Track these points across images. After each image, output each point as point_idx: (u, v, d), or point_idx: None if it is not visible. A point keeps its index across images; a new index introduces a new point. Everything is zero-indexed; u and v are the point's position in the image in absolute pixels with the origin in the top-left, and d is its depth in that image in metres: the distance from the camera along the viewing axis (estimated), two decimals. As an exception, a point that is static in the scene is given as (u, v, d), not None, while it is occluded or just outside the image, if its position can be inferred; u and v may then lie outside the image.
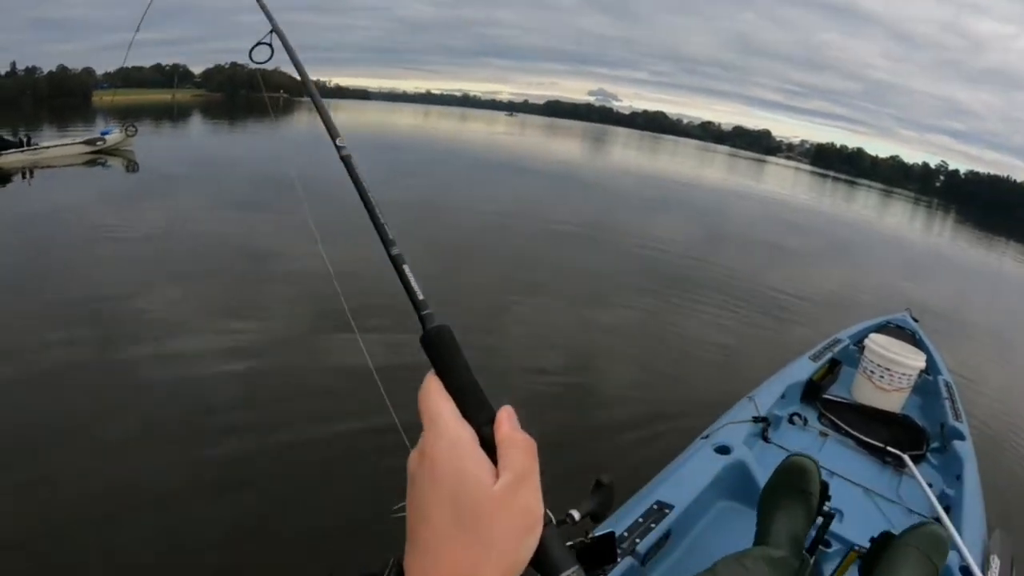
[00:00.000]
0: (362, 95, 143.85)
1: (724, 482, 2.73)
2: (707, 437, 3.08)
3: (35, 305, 6.80)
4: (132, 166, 18.13)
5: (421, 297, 0.80)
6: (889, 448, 3.40)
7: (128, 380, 5.24)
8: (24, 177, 15.68)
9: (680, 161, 50.29)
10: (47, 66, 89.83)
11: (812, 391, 3.93)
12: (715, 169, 51.73)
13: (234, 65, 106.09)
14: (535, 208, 16.03)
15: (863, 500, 2.97)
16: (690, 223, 17.45)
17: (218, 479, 4.01)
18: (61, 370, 5.32)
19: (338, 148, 1.35)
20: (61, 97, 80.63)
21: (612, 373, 6.49)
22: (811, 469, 2.30)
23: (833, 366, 4.29)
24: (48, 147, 18.34)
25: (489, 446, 0.54)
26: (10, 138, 17.45)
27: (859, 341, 4.59)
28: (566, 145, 52.30)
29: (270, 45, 2.09)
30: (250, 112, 54.57)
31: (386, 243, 1.00)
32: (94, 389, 5.06)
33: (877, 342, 4.12)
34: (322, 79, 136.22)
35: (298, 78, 1.37)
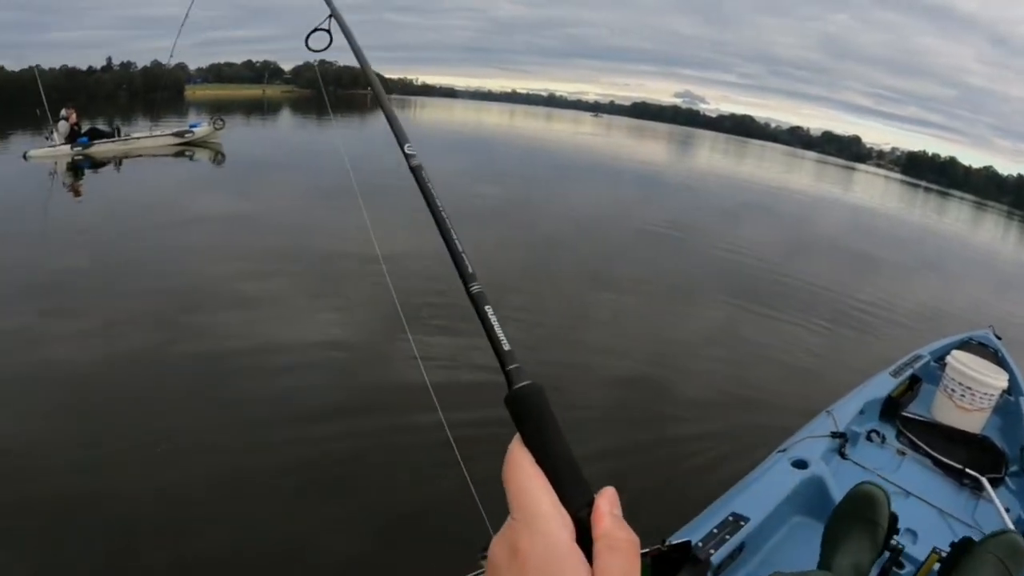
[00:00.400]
0: (449, 93, 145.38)
1: (799, 497, 2.70)
2: (785, 451, 3.06)
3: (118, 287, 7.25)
4: (219, 158, 18.73)
5: (507, 347, 0.72)
6: (967, 470, 3.30)
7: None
8: (115, 166, 16.54)
9: (767, 166, 48.71)
10: (142, 61, 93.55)
11: (891, 408, 3.85)
12: (802, 175, 49.87)
13: (323, 63, 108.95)
14: (619, 209, 15.84)
15: (937, 521, 2.90)
16: (776, 230, 16.77)
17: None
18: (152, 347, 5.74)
19: (407, 156, 1.26)
20: (155, 91, 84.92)
21: (691, 380, 6.31)
22: (881, 499, 2.28)
23: (913, 383, 4.19)
24: (139, 138, 19.28)
25: (584, 533, 0.48)
26: (104, 129, 18.36)
27: (940, 358, 4.46)
28: (651, 147, 51.51)
29: (328, 31, 2.07)
30: (337, 108, 56.12)
31: (465, 278, 0.92)
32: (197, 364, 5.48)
33: (959, 359, 3.97)
34: (408, 77, 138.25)
35: (371, 78, 1.33)
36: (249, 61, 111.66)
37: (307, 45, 2.16)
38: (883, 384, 3.99)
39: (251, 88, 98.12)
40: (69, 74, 75.46)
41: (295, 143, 27.04)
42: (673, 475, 4.42)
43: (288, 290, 7.61)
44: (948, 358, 4.05)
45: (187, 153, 19.07)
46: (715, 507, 2.57)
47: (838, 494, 2.54)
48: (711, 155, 53.55)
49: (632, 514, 0.49)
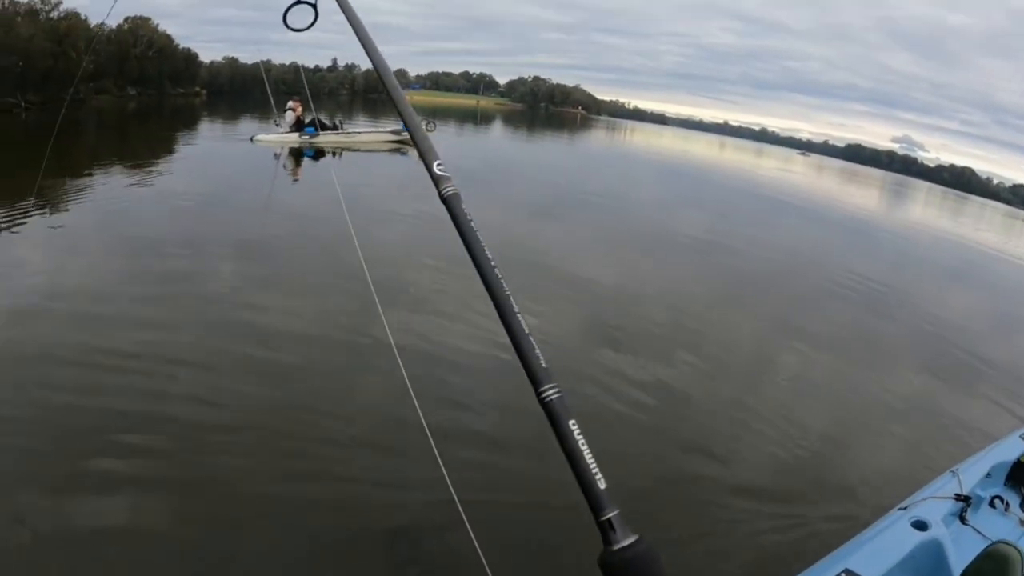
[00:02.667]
0: (659, 120, 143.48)
1: (915, 560, 2.55)
2: (905, 508, 2.92)
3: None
4: None
5: (603, 485, 0.62)
6: None
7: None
8: (334, 156, 17.76)
9: (985, 227, 42.87)
10: (365, 64, 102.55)
11: (1018, 473, 3.53)
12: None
13: (536, 79, 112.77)
14: (817, 258, 14.22)
15: None
16: (988, 302, 14.06)
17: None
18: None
19: (436, 181, 1.22)
20: (375, 92, 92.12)
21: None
22: (1016, 561, 2.24)
23: None
24: (358, 133, 20.74)
25: None
26: (327, 122, 19.82)
27: None
28: (862, 194, 47.34)
29: (314, 6, 2.00)
30: (548, 124, 57.31)
31: (534, 378, 0.88)
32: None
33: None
34: (620, 100, 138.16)
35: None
36: (466, 72, 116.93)
37: (285, 23, 2.10)
38: (1013, 447, 3.72)
39: (466, 98, 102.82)
40: (296, 70, 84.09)
41: (503, 153, 27.46)
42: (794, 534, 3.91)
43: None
44: None
45: (400, 151, 20.30)
46: (829, 560, 2.52)
47: (956, 561, 2.48)
48: (925, 209, 48.08)
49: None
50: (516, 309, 0.92)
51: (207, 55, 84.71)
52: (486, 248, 1.08)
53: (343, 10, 1.66)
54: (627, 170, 22.94)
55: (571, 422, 0.67)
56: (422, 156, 1.19)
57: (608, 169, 22.35)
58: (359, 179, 15.15)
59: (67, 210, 9.59)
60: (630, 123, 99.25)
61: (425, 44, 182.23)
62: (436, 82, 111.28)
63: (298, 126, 19.14)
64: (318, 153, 18.42)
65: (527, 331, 0.86)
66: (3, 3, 42.64)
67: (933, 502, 2.95)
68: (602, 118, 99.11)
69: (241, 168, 15.71)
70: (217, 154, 18.57)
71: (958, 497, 3.03)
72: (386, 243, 8.98)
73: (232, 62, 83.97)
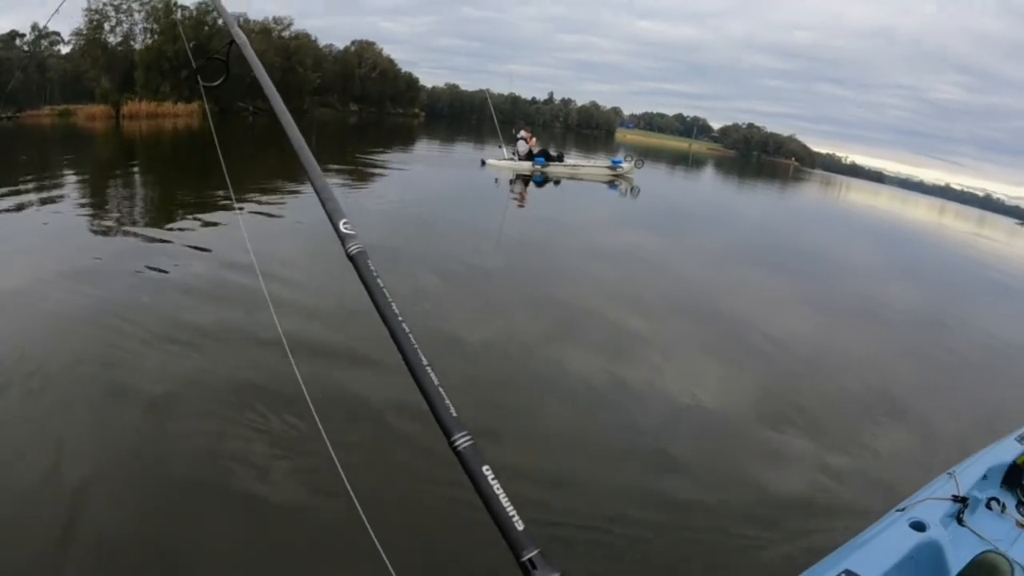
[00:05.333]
0: (876, 177, 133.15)
1: (914, 561, 2.60)
2: (903, 510, 2.97)
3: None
4: (634, 191, 20.85)
5: (520, 527, 0.68)
6: None
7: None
8: (555, 184, 19.87)
9: None
10: (581, 100, 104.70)
11: (1014, 476, 3.60)
12: None
13: (750, 126, 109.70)
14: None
15: None
16: None
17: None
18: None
19: (343, 239, 1.22)
20: (588, 128, 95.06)
21: None
22: (1005, 570, 2.25)
23: None
24: (582, 165, 23.52)
25: None
26: (553, 153, 22.01)
27: None
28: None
29: (226, 62, 1.96)
30: (759, 173, 54.53)
31: (443, 424, 0.90)
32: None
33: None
34: (837, 153, 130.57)
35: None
36: (680, 114, 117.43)
37: (198, 79, 2.13)
38: (1008, 449, 3.73)
39: (678, 140, 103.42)
40: (514, 100, 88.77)
41: (712, 198, 28.01)
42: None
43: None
44: None
45: (614, 183, 21.94)
46: (829, 561, 2.55)
47: (953, 562, 2.49)
48: None
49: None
50: (425, 362, 0.93)
51: (429, 80, 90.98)
52: (393, 303, 1.10)
53: (248, 59, 1.73)
54: (838, 229, 22.12)
55: (484, 468, 0.68)
56: (328, 215, 1.20)
57: (817, 227, 21.71)
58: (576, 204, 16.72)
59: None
60: (845, 179, 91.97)
61: (641, 84, 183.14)
62: (650, 122, 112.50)
63: (529, 155, 20.81)
64: (544, 181, 19.68)
65: (436, 382, 0.87)
66: (239, 21, 50.00)
67: (931, 503, 3.00)
68: (815, 171, 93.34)
69: (477, 190, 17.61)
70: (444, 176, 20.12)
71: (955, 499, 3.07)
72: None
73: (452, 88, 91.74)
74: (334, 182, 13.61)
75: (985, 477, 3.44)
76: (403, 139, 36.05)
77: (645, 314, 7.51)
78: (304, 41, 56.92)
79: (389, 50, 75.44)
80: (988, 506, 3.31)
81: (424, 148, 32.40)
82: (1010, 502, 3.41)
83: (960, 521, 3.01)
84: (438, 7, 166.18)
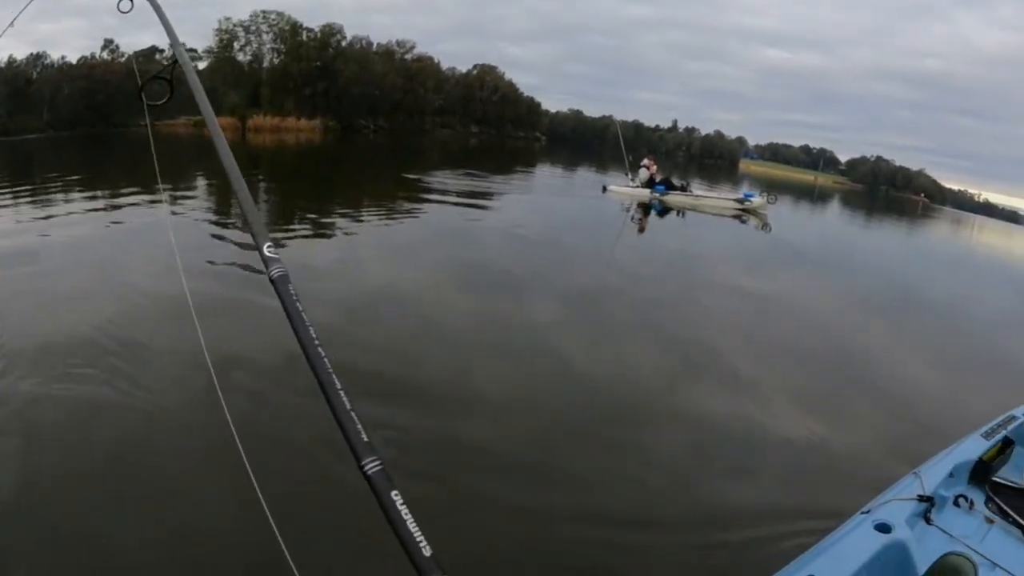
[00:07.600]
0: (1011, 217, 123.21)
1: (880, 563, 2.56)
2: (868, 512, 2.94)
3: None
4: (766, 227, 19.56)
5: (427, 552, 0.65)
6: None
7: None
8: (678, 215, 18.86)
9: None
10: (705, 129, 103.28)
11: (981, 472, 3.53)
12: None
13: (879, 159, 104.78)
14: None
15: None
16: None
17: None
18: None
19: (266, 262, 1.21)
20: (711, 158, 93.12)
21: None
22: (968, 571, 2.28)
23: (1005, 446, 3.83)
24: (705, 197, 22.02)
25: None
26: (676, 182, 21.18)
27: None
28: None
29: (170, 81, 1.97)
30: (888, 210, 52.31)
31: (358, 456, 0.86)
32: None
33: (1055, 422, 3.80)
34: (969, 190, 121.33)
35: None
36: (806, 146, 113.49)
37: (141, 97, 2.09)
38: (974, 446, 3.73)
39: (803, 172, 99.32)
40: (636, 127, 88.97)
41: (838, 234, 26.24)
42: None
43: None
44: None
45: (742, 218, 20.50)
46: (791, 568, 2.51)
47: (920, 562, 2.51)
48: None
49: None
50: (339, 386, 0.93)
51: (555, 104, 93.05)
52: (311, 327, 1.10)
53: (187, 77, 1.80)
54: (969, 274, 20.44)
55: (394, 492, 0.68)
56: (254, 238, 1.21)
57: (947, 271, 20.14)
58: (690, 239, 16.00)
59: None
60: (978, 218, 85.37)
61: (766, 113, 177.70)
62: (775, 153, 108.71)
63: (650, 183, 20.31)
64: (665, 210, 19.23)
65: (349, 407, 0.87)
66: (362, 43, 53.23)
67: (896, 504, 2.99)
68: (945, 208, 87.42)
69: (599, 214, 17.79)
70: (563, 202, 20.27)
71: (921, 498, 3.06)
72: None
73: (576, 113, 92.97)
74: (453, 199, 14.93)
75: (951, 475, 3.45)
76: (525, 161, 36.87)
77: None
78: (426, 64, 59.57)
79: (517, 75, 78.12)
80: (956, 503, 3.29)
81: (547, 172, 32.88)
82: (978, 498, 3.39)
83: (928, 520, 2.99)
84: (566, 34, 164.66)
